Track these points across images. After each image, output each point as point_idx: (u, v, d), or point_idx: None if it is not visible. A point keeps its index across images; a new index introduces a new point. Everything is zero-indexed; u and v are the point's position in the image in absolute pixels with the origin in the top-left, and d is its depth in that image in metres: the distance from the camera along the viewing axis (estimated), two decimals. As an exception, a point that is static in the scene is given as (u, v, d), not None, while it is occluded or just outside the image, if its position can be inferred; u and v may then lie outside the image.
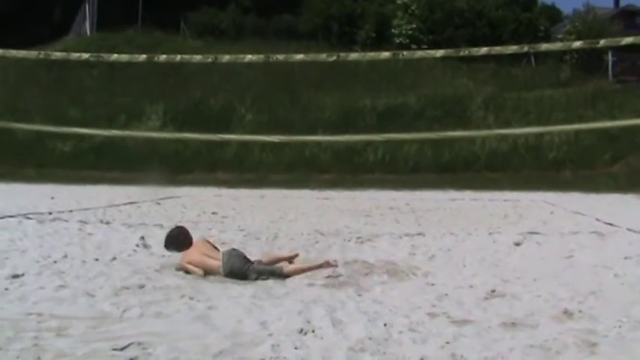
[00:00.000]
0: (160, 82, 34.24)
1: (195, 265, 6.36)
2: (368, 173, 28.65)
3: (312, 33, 40.06)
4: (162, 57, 12.01)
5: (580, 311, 4.97)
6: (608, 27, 36.38)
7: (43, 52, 14.69)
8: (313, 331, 4.37)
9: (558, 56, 36.91)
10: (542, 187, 24.08)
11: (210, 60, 11.86)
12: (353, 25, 40.50)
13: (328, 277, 6.32)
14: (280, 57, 11.75)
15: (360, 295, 5.59)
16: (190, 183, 25.37)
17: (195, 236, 6.94)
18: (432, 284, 6.18)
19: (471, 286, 6.01)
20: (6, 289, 5.47)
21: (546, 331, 4.43)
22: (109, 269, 6.56)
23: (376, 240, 9.32)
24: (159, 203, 15.77)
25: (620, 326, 4.55)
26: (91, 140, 29.87)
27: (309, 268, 6.23)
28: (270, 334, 4.27)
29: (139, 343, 3.99)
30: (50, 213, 12.11)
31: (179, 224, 8.03)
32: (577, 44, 13.47)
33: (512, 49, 15.10)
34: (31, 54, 14.41)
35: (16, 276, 5.97)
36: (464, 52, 12.20)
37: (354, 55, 17.73)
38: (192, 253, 6.46)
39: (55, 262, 6.84)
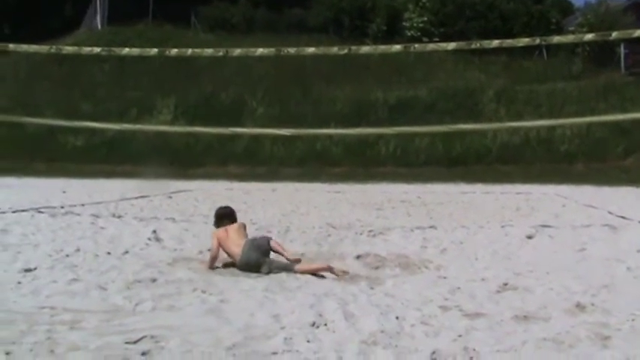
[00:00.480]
0: (171, 76, 34.31)
1: (222, 245, 6.51)
2: (380, 166, 28.66)
3: (323, 26, 39.98)
4: (174, 51, 11.94)
5: (593, 304, 4.95)
6: (620, 19, 35.99)
7: (54, 46, 14.71)
8: (325, 325, 4.38)
9: (570, 49, 36.64)
10: (554, 180, 24.01)
11: (221, 54, 11.79)
12: (364, 19, 40.38)
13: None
14: (291, 50, 11.65)
15: (372, 289, 5.60)
16: (202, 177, 25.48)
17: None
18: (444, 277, 6.18)
19: (483, 280, 6.01)
20: (19, 282, 5.49)
21: (559, 324, 4.41)
22: (121, 263, 6.59)
23: (388, 233, 9.31)
24: (170, 197, 15.82)
25: (633, 319, 4.52)
26: (103, 134, 30.03)
27: (318, 269, 6.25)
28: (283, 328, 4.27)
29: (152, 337, 4.00)
30: (62, 207, 12.16)
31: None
32: (589, 37, 13.34)
33: (524, 41, 14.94)
34: (43, 48, 14.45)
35: (29, 270, 6.00)
36: (475, 44, 12.09)
37: (365, 49, 17.58)
38: (229, 231, 6.66)
39: (68, 255, 6.87)
